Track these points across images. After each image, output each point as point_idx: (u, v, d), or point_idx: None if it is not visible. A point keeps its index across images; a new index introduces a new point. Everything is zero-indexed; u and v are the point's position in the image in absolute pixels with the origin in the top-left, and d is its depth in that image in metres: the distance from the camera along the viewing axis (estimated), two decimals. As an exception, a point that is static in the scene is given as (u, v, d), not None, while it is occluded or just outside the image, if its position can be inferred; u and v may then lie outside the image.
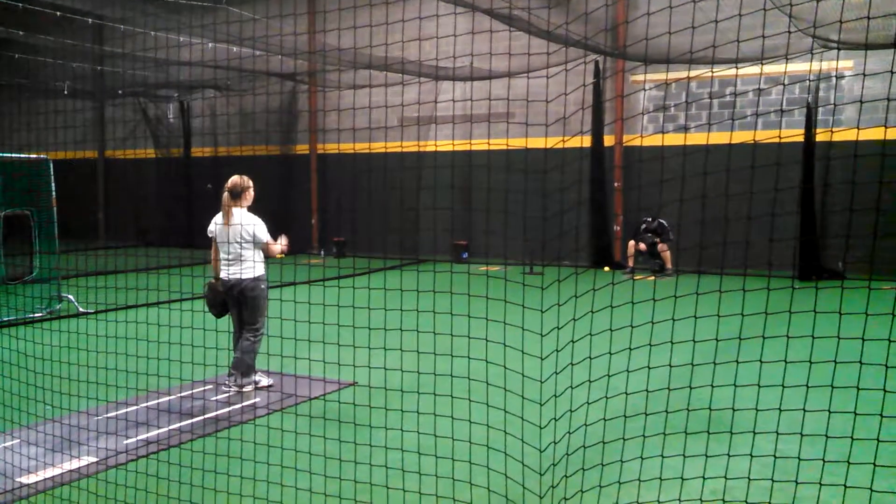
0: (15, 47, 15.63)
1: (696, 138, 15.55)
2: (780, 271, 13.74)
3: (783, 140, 7.56)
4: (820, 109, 14.88)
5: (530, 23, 10.67)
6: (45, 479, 5.14)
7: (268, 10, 15.97)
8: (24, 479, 5.14)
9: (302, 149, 21.70)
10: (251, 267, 7.10)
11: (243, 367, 7.16)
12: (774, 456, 4.12)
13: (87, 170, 25.12)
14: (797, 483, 3.99)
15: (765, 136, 14.79)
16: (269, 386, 7.29)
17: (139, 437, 5.99)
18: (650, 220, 15.79)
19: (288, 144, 21.59)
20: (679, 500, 4.19)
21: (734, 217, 4.50)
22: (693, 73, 13.06)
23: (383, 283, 5.78)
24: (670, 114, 16.74)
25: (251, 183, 7.28)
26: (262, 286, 7.18)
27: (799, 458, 4.00)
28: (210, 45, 15.20)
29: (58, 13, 13.99)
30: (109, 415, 6.37)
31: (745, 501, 4.07)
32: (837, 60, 13.50)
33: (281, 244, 7.32)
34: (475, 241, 18.68)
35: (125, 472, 5.16)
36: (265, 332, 7.19)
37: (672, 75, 14.28)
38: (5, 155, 12.68)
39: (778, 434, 4.05)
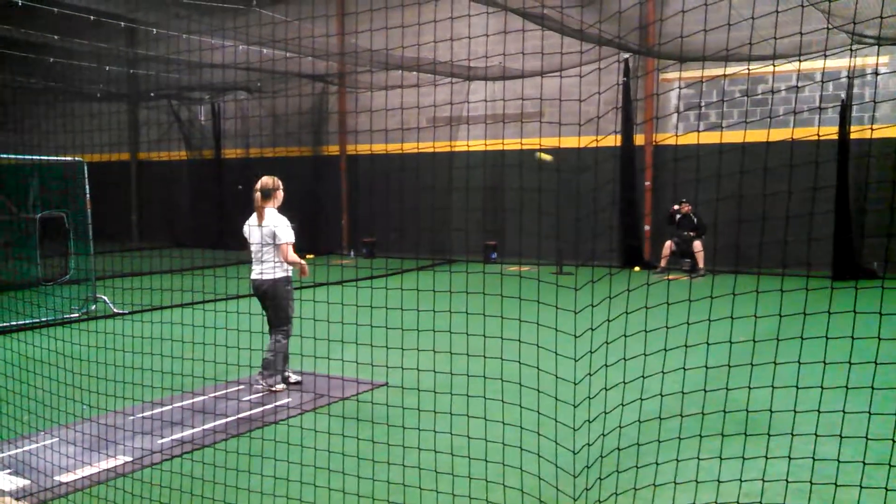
0: (50, 51, 15.87)
1: (729, 136, 15.39)
2: (817, 271, 13.56)
3: (818, 138, 7.46)
4: (854, 107, 14.66)
5: (562, 22, 10.62)
6: (83, 478, 5.21)
7: (300, 11, 16.06)
8: (62, 478, 5.20)
9: (332, 150, 21.81)
10: (272, 268, 7.11)
11: (271, 367, 7.20)
12: (813, 458, 4.06)
13: (121, 172, 25.44)
14: (836, 486, 3.92)
15: (798, 133, 14.60)
16: (298, 382, 7.41)
17: (173, 437, 6.04)
18: (683, 200, 15.64)
19: (318, 146, 21.71)
20: (716, 502, 4.14)
21: (768, 216, 4.44)
22: (727, 71, 12.94)
23: (415, 283, 5.79)
24: (701, 112, 16.58)
25: (281, 184, 7.31)
26: (286, 288, 7.19)
27: (838, 460, 3.94)
28: (241, 47, 15.32)
29: (91, 17, 14.18)
30: (144, 414, 6.44)
31: (784, 504, 4.01)
32: (878, 55, 13.27)
33: (301, 262, 7.27)
34: (504, 242, 18.65)
35: (160, 472, 5.21)
36: (291, 333, 7.23)
37: (705, 73, 14.13)
38: (41, 158, 12.88)
39: (816, 436, 3.98)
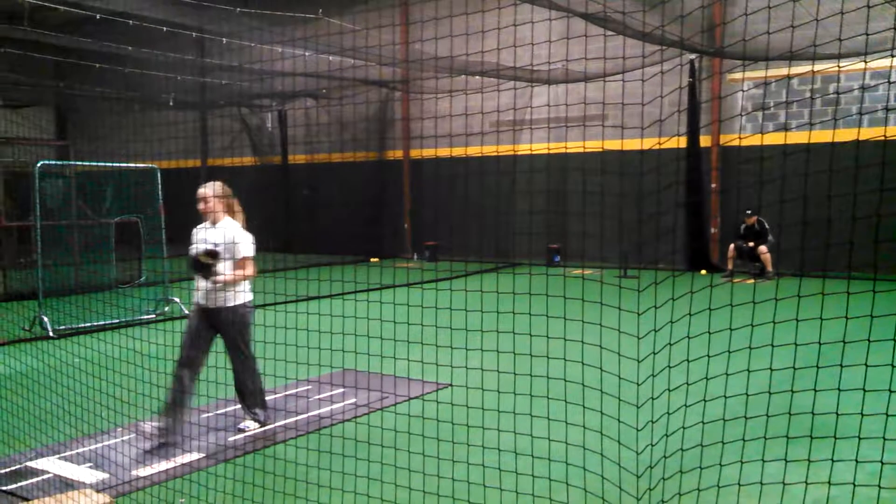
0: (126, 62, 16.43)
1: (797, 137, 15.12)
2: (887, 275, 13.20)
3: (889, 138, 7.30)
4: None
5: (625, 24, 10.60)
6: (159, 472, 5.43)
7: (367, 20, 16.31)
8: (140, 472, 5.44)
9: (396, 154, 22.04)
10: (234, 290, 6.35)
11: (255, 396, 6.55)
12: (881, 462, 4.02)
13: (192, 178, 26.09)
14: (906, 490, 3.88)
15: (870, 134, 14.27)
16: (259, 423, 6.50)
17: (246, 434, 6.25)
18: (749, 212, 15.38)
19: (382, 150, 21.98)
20: (781, 505, 4.13)
21: (837, 218, 4.40)
22: (793, 71, 12.71)
23: (479, 285, 5.87)
24: (770, 112, 16.31)
25: (204, 191, 6.42)
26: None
27: (907, 464, 3.90)
28: (308, 55, 15.64)
29: (164, 28, 14.65)
30: (219, 412, 6.66)
31: (851, 508, 3.99)
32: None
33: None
34: (568, 245, 18.61)
35: (233, 466, 5.40)
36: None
37: (771, 73, 13.92)
38: (117, 164, 13.36)
39: (885, 440, 3.95)
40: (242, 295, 6.29)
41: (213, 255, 6.08)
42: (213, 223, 6.40)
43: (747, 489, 4.35)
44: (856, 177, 4.05)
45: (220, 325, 6.26)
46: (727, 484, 4.38)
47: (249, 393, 6.39)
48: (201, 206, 6.37)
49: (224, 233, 6.24)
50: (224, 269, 6.18)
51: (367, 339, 5.98)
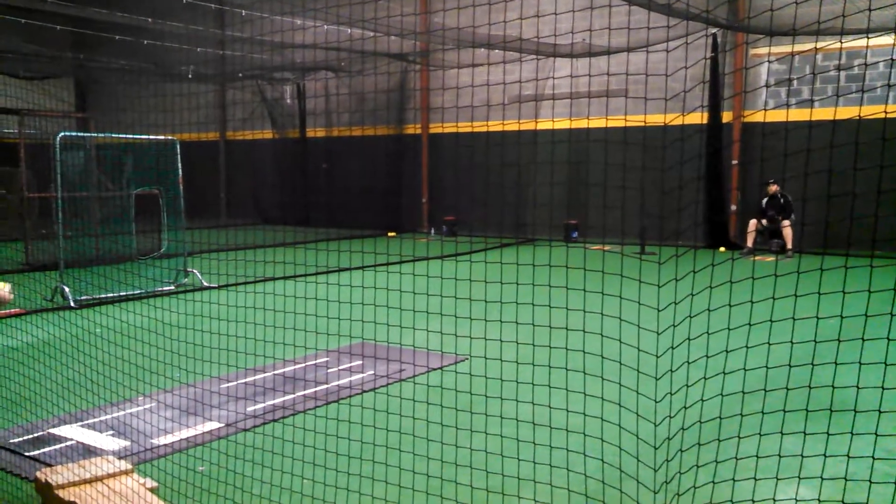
0: (145, 34, 16.43)
1: (821, 113, 14.93)
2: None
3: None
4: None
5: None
6: (180, 440, 5.49)
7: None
8: (162, 440, 5.50)
9: (415, 129, 21.98)
10: None
11: None
12: (901, 437, 4.01)
13: (211, 150, 26.16)
14: (925, 465, 3.87)
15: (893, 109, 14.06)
16: None
17: (267, 403, 6.31)
18: (771, 181, 15.24)
19: (401, 125, 21.93)
20: (798, 478, 4.13)
21: (860, 195, 4.35)
22: (819, 46, 12.55)
23: (498, 258, 5.87)
24: (793, 88, 16.11)
25: None
26: None
27: (928, 439, 3.88)
28: (325, 27, 15.56)
29: (184, 0, 14.64)
30: (239, 381, 6.72)
31: (869, 481, 3.98)
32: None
33: None
34: (585, 221, 18.56)
35: (253, 435, 5.46)
36: None
37: (796, 48, 13.72)
38: (137, 136, 13.41)
39: (905, 414, 3.93)
40: None
41: None
42: None
43: (765, 462, 4.35)
44: (883, 152, 4.00)
45: None
46: (745, 456, 4.38)
47: None
48: None
49: None
50: None
51: (387, 311, 6.00)
